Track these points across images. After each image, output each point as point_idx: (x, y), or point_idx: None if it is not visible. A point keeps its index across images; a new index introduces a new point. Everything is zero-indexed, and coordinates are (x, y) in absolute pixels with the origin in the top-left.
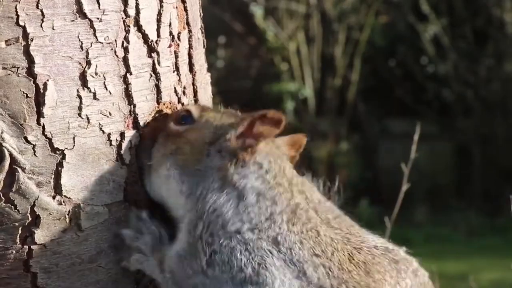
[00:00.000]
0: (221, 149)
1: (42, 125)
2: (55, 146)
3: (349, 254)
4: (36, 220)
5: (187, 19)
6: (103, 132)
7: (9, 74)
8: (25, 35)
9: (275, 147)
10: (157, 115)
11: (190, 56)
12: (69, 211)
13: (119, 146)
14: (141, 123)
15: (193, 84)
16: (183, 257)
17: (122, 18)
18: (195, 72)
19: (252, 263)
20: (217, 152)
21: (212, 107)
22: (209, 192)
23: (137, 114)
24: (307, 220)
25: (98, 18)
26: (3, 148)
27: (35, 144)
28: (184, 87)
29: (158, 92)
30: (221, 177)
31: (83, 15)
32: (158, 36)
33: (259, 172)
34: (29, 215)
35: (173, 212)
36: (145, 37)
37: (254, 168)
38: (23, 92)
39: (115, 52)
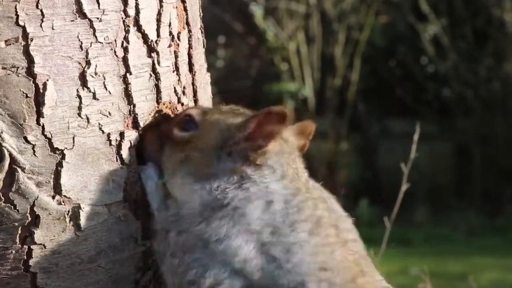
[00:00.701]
0: (231, 152)
1: (41, 125)
2: (55, 146)
3: (352, 277)
4: (35, 220)
5: (187, 19)
6: (103, 132)
7: (8, 74)
8: (25, 35)
9: (284, 143)
10: (156, 115)
11: (190, 56)
12: (68, 211)
13: (118, 146)
14: (141, 123)
15: (193, 84)
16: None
17: (122, 18)
18: (194, 72)
19: (253, 262)
20: (227, 155)
21: (213, 107)
22: (228, 188)
23: (137, 114)
24: (326, 237)
25: (98, 18)
26: (3, 148)
27: (35, 144)
28: (184, 87)
29: (158, 92)
30: (238, 180)
31: (83, 15)
32: (158, 36)
33: (276, 176)
34: (28, 215)
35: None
36: (144, 37)
37: (268, 172)
38: (23, 92)
39: (115, 52)
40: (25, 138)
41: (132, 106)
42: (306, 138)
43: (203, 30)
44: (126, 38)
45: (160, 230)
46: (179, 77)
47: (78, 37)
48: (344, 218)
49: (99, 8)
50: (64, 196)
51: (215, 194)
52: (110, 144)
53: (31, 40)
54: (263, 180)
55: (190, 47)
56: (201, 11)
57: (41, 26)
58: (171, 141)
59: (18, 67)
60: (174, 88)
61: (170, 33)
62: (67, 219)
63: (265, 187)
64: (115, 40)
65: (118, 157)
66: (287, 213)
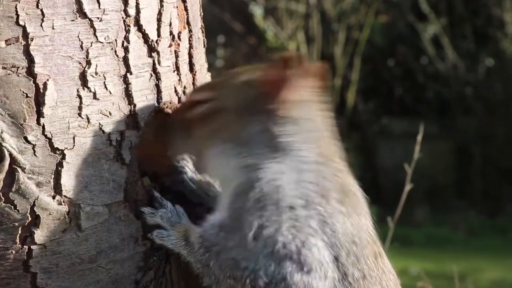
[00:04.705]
0: (255, 112)
1: (42, 125)
2: (55, 146)
3: (375, 254)
4: (36, 220)
5: (187, 18)
6: (103, 132)
7: (9, 74)
8: (25, 34)
9: (302, 90)
10: (157, 115)
11: (190, 56)
12: (69, 211)
13: (119, 146)
14: (141, 123)
15: (194, 83)
16: (223, 229)
17: (122, 17)
18: (195, 72)
19: (296, 241)
20: (252, 116)
21: (219, 76)
22: (262, 160)
23: (137, 114)
24: (356, 203)
25: (98, 18)
26: (3, 148)
27: (35, 144)
28: (185, 87)
29: (159, 92)
30: (269, 141)
31: (83, 14)
32: (159, 35)
33: (304, 134)
34: (29, 215)
35: (226, 188)
36: (145, 37)
37: (296, 127)
38: (23, 92)
39: (115, 51)
40: (25, 138)
41: (132, 106)
42: (323, 79)
43: (203, 30)
44: (126, 38)
45: (201, 268)
46: (179, 77)
47: (78, 36)
48: (358, 191)
49: (99, 8)
50: (65, 196)
51: (251, 164)
52: (111, 144)
53: (32, 40)
54: (292, 145)
55: (190, 46)
56: (201, 10)
57: (41, 25)
58: (190, 121)
59: (18, 67)
60: (175, 88)
61: (171, 32)
62: (67, 219)
63: (298, 157)
64: (116, 40)
65: (118, 157)
66: (317, 180)
